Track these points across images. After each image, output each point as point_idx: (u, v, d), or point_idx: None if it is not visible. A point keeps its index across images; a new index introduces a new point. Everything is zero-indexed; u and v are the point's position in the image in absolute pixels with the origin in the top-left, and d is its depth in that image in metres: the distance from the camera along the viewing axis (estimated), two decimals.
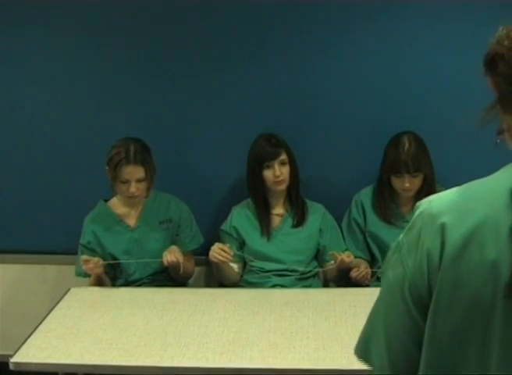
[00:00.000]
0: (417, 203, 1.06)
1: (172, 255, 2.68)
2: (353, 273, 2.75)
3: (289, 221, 2.89)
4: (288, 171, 2.81)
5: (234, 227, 2.90)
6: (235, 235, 2.89)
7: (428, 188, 2.75)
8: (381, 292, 1.09)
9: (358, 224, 2.94)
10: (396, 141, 2.78)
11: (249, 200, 2.93)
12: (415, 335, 1.04)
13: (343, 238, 2.95)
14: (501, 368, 0.94)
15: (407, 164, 2.70)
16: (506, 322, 0.92)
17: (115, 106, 3.15)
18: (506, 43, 0.96)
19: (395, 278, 1.04)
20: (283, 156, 2.78)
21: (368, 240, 2.93)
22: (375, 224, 2.90)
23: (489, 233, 0.93)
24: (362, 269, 2.75)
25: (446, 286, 0.97)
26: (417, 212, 1.05)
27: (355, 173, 3.07)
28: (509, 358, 0.94)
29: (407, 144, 2.73)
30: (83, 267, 2.67)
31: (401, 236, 1.07)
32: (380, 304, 1.09)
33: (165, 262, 2.69)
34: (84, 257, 2.67)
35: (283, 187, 2.84)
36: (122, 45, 3.08)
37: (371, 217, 2.91)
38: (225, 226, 2.93)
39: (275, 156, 2.77)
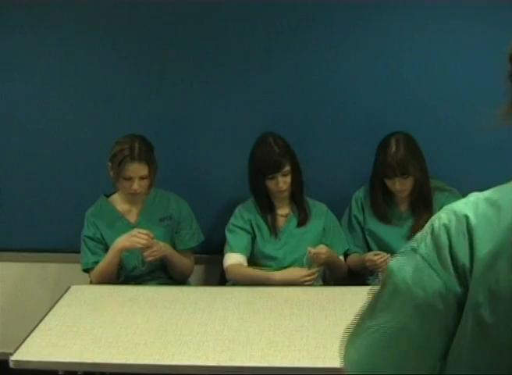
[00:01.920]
0: (438, 213, 1.00)
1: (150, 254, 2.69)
2: (374, 257, 2.71)
3: (294, 221, 2.89)
4: (290, 179, 2.78)
5: (249, 220, 2.86)
6: (249, 229, 2.86)
7: (420, 188, 2.77)
8: (394, 316, 0.97)
9: (358, 221, 2.95)
10: (384, 143, 2.80)
11: (253, 199, 2.93)
12: (439, 352, 0.97)
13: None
14: None
15: (394, 168, 2.72)
16: None
17: (117, 104, 3.15)
18: None
19: (434, 294, 0.95)
20: (287, 168, 2.75)
21: (368, 237, 2.94)
22: (373, 222, 2.91)
23: None
24: (383, 253, 2.73)
25: (477, 304, 0.92)
26: (437, 222, 0.98)
27: (356, 172, 3.07)
28: None
29: (393, 148, 2.74)
30: (132, 239, 2.64)
31: (421, 249, 0.98)
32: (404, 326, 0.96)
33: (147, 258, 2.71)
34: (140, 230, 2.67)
35: (285, 194, 2.84)
36: (125, 44, 3.09)
37: (369, 215, 2.92)
38: (236, 221, 2.87)
39: (278, 169, 2.73)
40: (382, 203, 2.88)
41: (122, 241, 2.68)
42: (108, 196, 2.91)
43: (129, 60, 3.10)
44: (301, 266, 2.79)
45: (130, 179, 2.71)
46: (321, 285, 2.87)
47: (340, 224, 2.98)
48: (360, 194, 2.96)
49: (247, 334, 2.19)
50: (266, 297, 2.54)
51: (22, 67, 3.15)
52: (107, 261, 2.72)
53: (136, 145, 2.70)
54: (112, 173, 2.75)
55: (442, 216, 0.98)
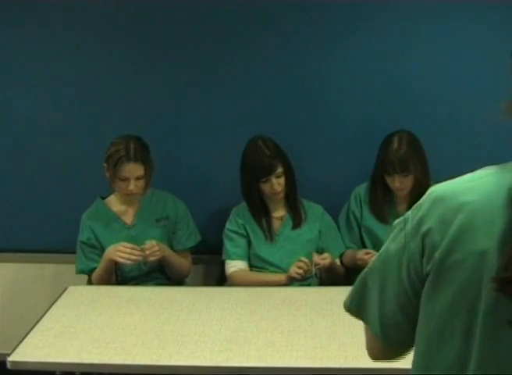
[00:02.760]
0: (433, 186, 1.09)
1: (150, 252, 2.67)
2: (365, 255, 2.73)
3: (289, 223, 2.88)
4: (284, 180, 2.77)
5: (243, 225, 2.87)
6: (244, 233, 2.86)
7: (419, 188, 2.76)
8: (378, 260, 1.14)
9: (356, 217, 2.96)
10: (387, 141, 2.81)
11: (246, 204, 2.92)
12: (406, 310, 1.09)
13: (339, 231, 2.97)
14: (481, 356, 0.97)
15: (394, 165, 2.73)
16: (489, 309, 0.96)
17: (113, 105, 3.15)
18: None
19: (396, 251, 1.09)
20: (280, 169, 2.74)
21: (363, 234, 2.95)
22: (370, 220, 2.92)
23: (483, 226, 0.97)
24: (373, 252, 2.74)
25: (440, 270, 1.00)
26: (428, 193, 1.08)
27: (353, 172, 3.07)
28: (489, 344, 0.97)
29: (395, 145, 2.76)
30: (116, 253, 2.62)
31: (409, 212, 1.10)
32: (375, 272, 1.14)
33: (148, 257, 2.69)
34: (125, 244, 2.64)
35: (281, 196, 2.83)
36: (121, 45, 3.09)
37: (367, 212, 2.92)
38: (231, 226, 2.88)
39: (270, 171, 2.72)
40: (381, 201, 2.89)
41: (109, 253, 2.67)
42: (104, 198, 2.91)
43: (125, 62, 3.10)
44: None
45: (126, 179, 2.70)
46: (318, 285, 2.88)
47: (338, 219, 2.98)
48: (360, 190, 2.96)
49: (244, 335, 2.19)
50: (264, 297, 2.54)
51: (18, 68, 3.15)
52: (102, 269, 2.73)
53: (132, 146, 2.69)
54: (107, 174, 2.74)
55: (433, 189, 1.07)
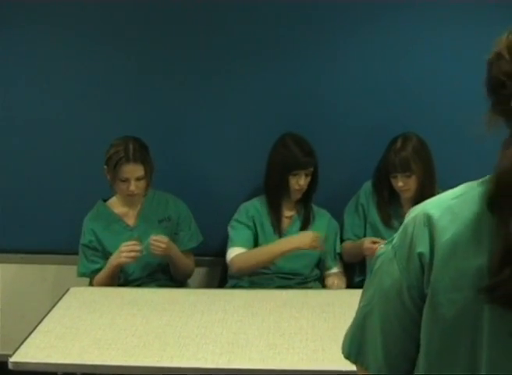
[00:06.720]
0: (412, 208, 1.08)
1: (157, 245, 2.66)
2: (373, 245, 2.69)
3: (297, 224, 2.89)
4: (309, 181, 2.80)
5: (252, 217, 2.85)
6: (252, 226, 2.84)
7: (422, 189, 2.75)
8: (373, 296, 1.10)
9: (364, 210, 2.95)
10: (392, 142, 2.82)
11: (258, 198, 2.92)
12: (415, 337, 1.05)
13: (344, 221, 2.98)
14: (489, 371, 0.96)
15: (395, 164, 2.74)
16: (493, 325, 0.94)
17: (114, 106, 3.15)
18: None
19: (393, 283, 1.06)
20: (311, 169, 2.78)
21: (367, 230, 2.94)
22: (375, 218, 2.91)
23: (473, 240, 0.96)
24: (379, 241, 2.70)
25: (437, 290, 0.99)
26: (410, 216, 1.06)
27: (359, 175, 3.06)
28: (497, 360, 0.95)
29: (398, 145, 2.77)
30: (123, 255, 2.61)
31: (394, 240, 1.08)
32: (374, 308, 1.10)
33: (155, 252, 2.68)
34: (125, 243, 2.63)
35: (299, 196, 2.84)
36: (122, 45, 3.09)
37: (373, 210, 2.92)
38: (239, 217, 2.85)
39: (305, 167, 2.75)
40: (387, 204, 2.88)
41: (115, 259, 2.66)
42: (106, 200, 2.91)
43: (126, 62, 3.10)
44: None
45: (127, 180, 2.71)
46: (319, 288, 2.88)
47: (345, 210, 2.99)
48: (369, 184, 2.96)
49: (246, 337, 2.19)
50: (265, 299, 2.54)
51: (18, 68, 3.15)
52: (106, 274, 2.72)
53: (131, 146, 2.69)
54: (108, 176, 2.74)
55: (414, 210, 1.06)
